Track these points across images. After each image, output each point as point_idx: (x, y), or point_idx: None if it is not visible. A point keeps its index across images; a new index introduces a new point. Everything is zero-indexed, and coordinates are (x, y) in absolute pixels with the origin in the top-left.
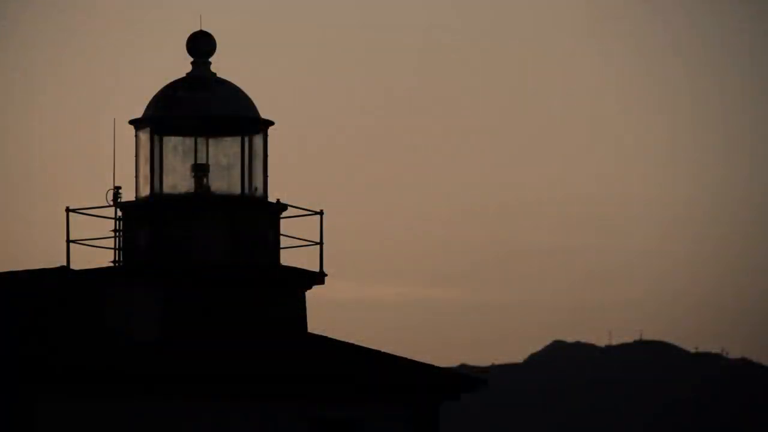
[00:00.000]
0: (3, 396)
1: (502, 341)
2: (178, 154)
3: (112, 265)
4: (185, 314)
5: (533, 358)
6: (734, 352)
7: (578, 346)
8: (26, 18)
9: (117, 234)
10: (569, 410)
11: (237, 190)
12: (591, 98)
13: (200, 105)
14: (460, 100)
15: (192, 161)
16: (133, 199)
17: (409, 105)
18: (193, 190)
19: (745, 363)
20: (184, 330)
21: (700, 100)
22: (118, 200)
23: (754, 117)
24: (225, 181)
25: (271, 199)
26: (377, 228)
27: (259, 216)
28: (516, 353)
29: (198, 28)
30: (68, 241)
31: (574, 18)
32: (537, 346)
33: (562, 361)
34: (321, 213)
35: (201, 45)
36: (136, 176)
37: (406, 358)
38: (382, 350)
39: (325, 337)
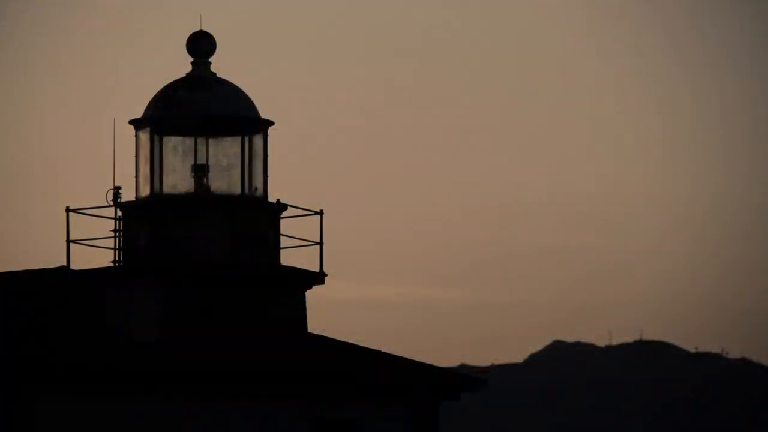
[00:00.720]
0: (3, 396)
1: (502, 341)
2: (178, 154)
3: (112, 265)
4: (185, 314)
5: (533, 358)
6: (734, 352)
7: (578, 346)
8: (26, 18)
9: (117, 234)
10: (569, 410)
11: (237, 190)
12: (591, 98)
13: (200, 105)
14: (460, 99)
15: (192, 161)
16: (133, 199)
17: (409, 105)
18: (193, 190)
19: (745, 363)
20: (184, 330)
21: (700, 100)
22: (118, 200)
23: (754, 117)
24: (225, 181)
25: (271, 199)
26: (377, 228)
27: (259, 216)
28: (516, 353)
29: (198, 28)
30: (68, 241)
31: (575, 18)
32: (537, 346)
33: (562, 361)
34: (321, 213)
35: (201, 45)
36: (136, 176)
37: (406, 358)
38: (382, 350)
39: (325, 337)
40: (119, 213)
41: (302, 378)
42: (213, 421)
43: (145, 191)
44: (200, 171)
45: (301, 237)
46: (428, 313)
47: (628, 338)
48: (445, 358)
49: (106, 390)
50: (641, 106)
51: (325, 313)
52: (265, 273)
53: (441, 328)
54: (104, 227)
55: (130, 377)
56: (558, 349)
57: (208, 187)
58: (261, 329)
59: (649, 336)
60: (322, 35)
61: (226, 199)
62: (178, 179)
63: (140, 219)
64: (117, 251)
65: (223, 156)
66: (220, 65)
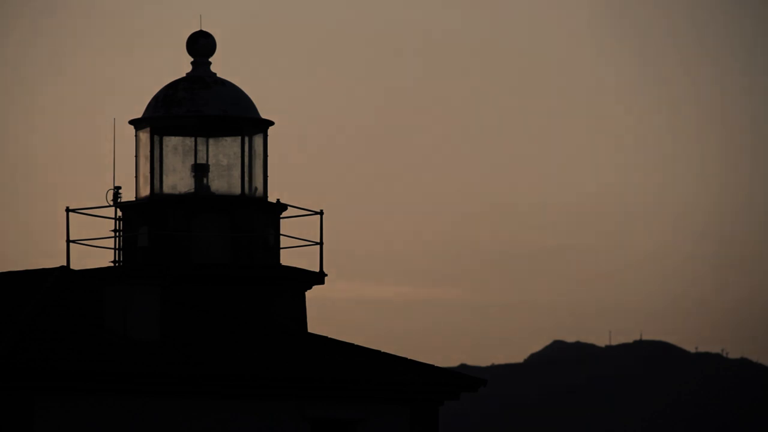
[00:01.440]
0: (3, 396)
1: (502, 341)
2: (178, 154)
3: (112, 265)
4: (185, 314)
5: (533, 358)
6: (734, 352)
7: (578, 346)
8: (26, 18)
9: (117, 234)
10: (569, 410)
11: (237, 190)
12: (591, 99)
13: (200, 105)
14: (461, 100)
15: (192, 161)
16: (133, 199)
17: (410, 105)
18: (193, 190)
19: (745, 363)
20: (183, 330)
21: (700, 100)
22: (118, 200)
23: (754, 117)
24: (225, 181)
25: (271, 199)
26: (377, 228)
27: (259, 216)
28: (516, 353)
29: (198, 28)
30: (68, 241)
31: (575, 19)
32: (537, 346)
33: (562, 361)
34: (321, 213)
35: (201, 45)
36: (136, 176)
37: (406, 358)
38: (382, 350)
39: (325, 337)
40: (119, 213)
41: (302, 378)
42: (213, 421)
43: (145, 191)
44: (200, 171)
45: (301, 237)
46: (428, 313)
47: (628, 338)
48: (445, 358)
49: (106, 390)
50: (641, 106)
51: (325, 313)
52: (265, 273)
53: (441, 328)
54: (104, 227)
55: (130, 377)
56: (558, 349)
57: (208, 187)
58: (261, 329)
59: (649, 336)
60: (322, 35)
61: (226, 199)
62: (178, 179)
63: (140, 219)
64: (117, 251)
65: (223, 156)
66: (220, 65)
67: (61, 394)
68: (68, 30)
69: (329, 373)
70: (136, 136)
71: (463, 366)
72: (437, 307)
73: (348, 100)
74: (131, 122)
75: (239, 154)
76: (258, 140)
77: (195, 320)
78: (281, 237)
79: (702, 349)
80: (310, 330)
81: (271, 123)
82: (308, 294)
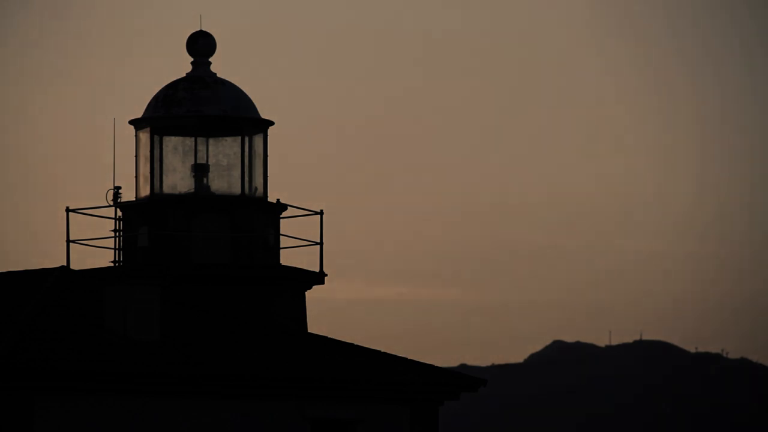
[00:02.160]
0: (3, 396)
1: (502, 341)
2: (178, 154)
3: (112, 265)
4: (185, 314)
5: (533, 358)
6: (734, 352)
7: (578, 346)
8: (26, 18)
9: (117, 234)
10: (569, 410)
11: (237, 190)
12: (591, 98)
13: (200, 105)
14: (460, 100)
15: (192, 161)
16: (133, 199)
17: (409, 105)
18: (193, 190)
19: (745, 363)
20: (183, 330)
21: (700, 100)
22: (118, 200)
23: (754, 117)
24: (225, 181)
25: (271, 199)
26: (377, 228)
27: (259, 216)
28: (516, 353)
29: (198, 28)
30: (68, 241)
31: (575, 19)
32: (537, 346)
33: (562, 361)
34: (321, 213)
35: (201, 45)
36: (136, 176)
37: (406, 358)
38: (382, 350)
39: (325, 337)
40: (119, 213)
41: (302, 378)
42: (213, 421)
43: (145, 191)
44: (200, 171)
45: (301, 237)
46: (428, 313)
47: (628, 338)
48: (445, 358)
49: (106, 390)
50: (641, 106)
51: (325, 313)
52: (265, 273)
53: (441, 328)
54: (104, 227)
55: (130, 377)
56: (558, 349)
57: (208, 187)
58: (261, 329)
59: (649, 336)
60: (322, 35)
61: (226, 199)
62: (178, 179)
63: (140, 219)
64: (117, 251)
65: (223, 156)
66: (220, 65)
67: (61, 394)
68: (68, 30)
69: (329, 373)
70: (136, 136)
71: (463, 366)
72: (437, 307)
73: (348, 101)
74: (131, 122)
75: (239, 154)
76: (258, 140)
77: (195, 320)
78: (281, 237)
79: (702, 349)
80: (310, 330)
81: (271, 123)
82: (308, 294)
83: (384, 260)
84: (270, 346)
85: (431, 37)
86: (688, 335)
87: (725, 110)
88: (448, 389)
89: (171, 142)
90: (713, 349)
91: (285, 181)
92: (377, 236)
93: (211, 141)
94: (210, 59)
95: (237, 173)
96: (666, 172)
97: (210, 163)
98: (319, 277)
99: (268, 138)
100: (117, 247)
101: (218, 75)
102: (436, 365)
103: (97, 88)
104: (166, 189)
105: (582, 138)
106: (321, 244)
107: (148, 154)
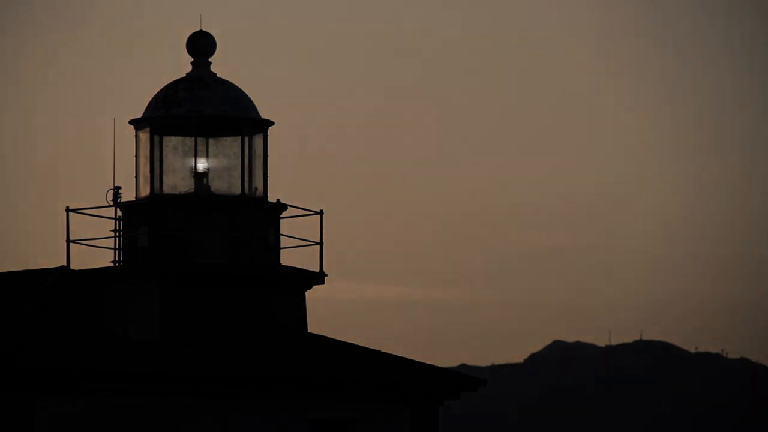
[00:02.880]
0: (3, 396)
1: (502, 341)
2: (178, 154)
3: (112, 265)
4: (185, 314)
5: (533, 358)
6: (734, 352)
7: (578, 346)
8: (26, 18)
9: (117, 234)
10: (569, 410)
11: (237, 190)
12: (591, 98)
13: (200, 105)
14: (461, 100)
15: (192, 161)
16: (133, 199)
17: (409, 105)
18: (193, 190)
19: (745, 363)
20: (183, 330)
21: (699, 100)
22: (118, 200)
23: (753, 117)
24: (225, 181)
25: (271, 199)
26: (377, 228)
27: (259, 216)
28: (516, 353)
29: (198, 28)
30: (68, 241)
31: (575, 19)
32: (537, 346)
33: (562, 361)
34: (321, 213)
35: (201, 45)
36: (136, 176)
37: (406, 358)
38: (382, 350)
39: (325, 337)
40: (119, 213)
41: (302, 378)
42: (213, 421)
43: (145, 191)
44: (200, 171)
45: (301, 237)
46: (428, 313)
47: (628, 338)
48: (445, 358)
49: (106, 390)
50: (641, 106)
51: (325, 313)
52: (265, 273)
53: (441, 328)
54: (104, 227)
55: (130, 377)
56: (558, 349)
57: (208, 187)
58: (261, 329)
59: (649, 336)
60: (321, 35)
61: (226, 199)
62: (178, 179)
63: (140, 219)
64: (117, 251)
65: (223, 156)
66: (220, 65)
67: (61, 394)
68: (68, 30)
69: (329, 373)
70: (136, 136)
71: (463, 366)
72: (437, 307)
73: (348, 100)
74: (131, 122)
75: (239, 154)
76: (258, 140)
77: (195, 320)
78: (281, 237)
79: (702, 349)
80: (310, 330)
81: (271, 123)
82: (308, 294)
83: (384, 260)
84: (270, 346)
85: (431, 37)
86: (688, 335)
87: (726, 110)
88: (448, 389)
89: (171, 142)
90: (713, 349)
91: (285, 181)
92: (377, 236)
93: (211, 141)
94: (210, 59)
95: (237, 173)
96: (666, 172)
97: (210, 163)
98: (319, 277)
99: (268, 138)
100: (117, 247)
101: (218, 75)
102: (436, 365)
103: (97, 88)
104: (166, 189)
105: (582, 138)
106: (321, 244)
107: (148, 154)
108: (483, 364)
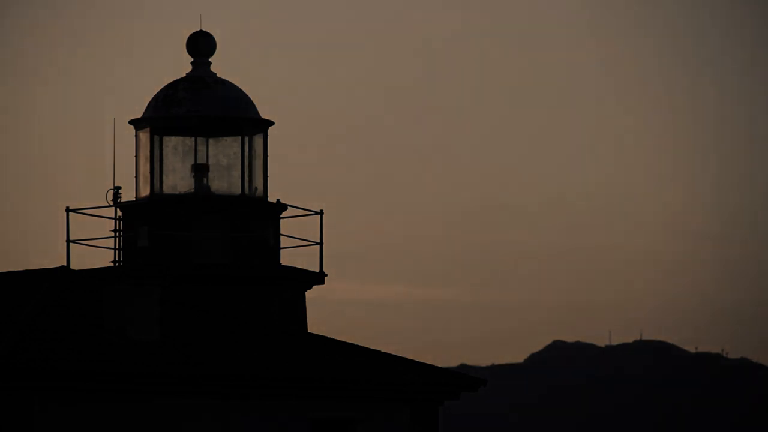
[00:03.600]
0: (3, 396)
1: (502, 341)
2: (178, 154)
3: (112, 265)
4: (185, 314)
5: (533, 358)
6: (734, 352)
7: (578, 346)
8: (26, 18)
9: (117, 234)
10: (569, 410)
11: (237, 190)
12: (592, 98)
13: (200, 105)
14: (461, 100)
15: (192, 161)
16: (133, 199)
17: (409, 105)
18: (193, 190)
19: (745, 363)
20: (183, 330)
21: (700, 100)
22: (118, 200)
23: (753, 117)
24: (225, 181)
25: (271, 199)
26: (377, 228)
27: (259, 216)
28: (516, 353)
29: (198, 28)
30: (68, 241)
31: (575, 19)
32: (537, 346)
33: (562, 361)
34: (321, 213)
35: (201, 45)
36: (136, 176)
37: (406, 358)
38: (382, 350)
39: (325, 337)
40: (119, 213)
41: (302, 378)
42: (213, 421)
43: (145, 191)
44: (200, 171)
45: (301, 237)
46: (428, 313)
47: (628, 338)
48: (445, 358)
49: (106, 390)
50: (641, 106)
51: (325, 313)
52: (265, 273)
53: (441, 328)
54: (104, 227)
55: (130, 377)
56: (558, 349)
57: (208, 187)
58: (261, 329)
59: (649, 336)
60: (322, 35)
61: (226, 199)
62: (178, 179)
63: (140, 219)
64: (117, 251)
65: (223, 156)
66: (220, 65)
67: (61, 394)
68: (68, 30)
69: (329, 373)
70: (136, 136)
71: (463, 366)
72: (437, 307)
73: (348, 100)
74: (131, 122)
75: (239, 154)
76: (258, 140)
77: (195, 320)
78: (281, 237)
79: (702, 349)
80: (310, 330)
81: (271, 123)
82: (308, 294)
83: (384, 260)
84: (270, 346)
85: (431, 37)
86: (688, 335)
87: (725, 110)
88: (448, 389)
89: (171, 142)
90: (713, 349)
91: (285, 181)
92: (377, 236)
93: (211, 141)
94: (210, 59)
95: (237, 173)
96: (666, 172)
97: (210, 163)
98: (319, 277)
99: (268, 138)
100: (117, 247)
101: (218, 75)
102: (436, 365)
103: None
104: (166, 189)
105: (582, 138)
106: (321, 244)
107: (148, 154)
108: (483, 364)
